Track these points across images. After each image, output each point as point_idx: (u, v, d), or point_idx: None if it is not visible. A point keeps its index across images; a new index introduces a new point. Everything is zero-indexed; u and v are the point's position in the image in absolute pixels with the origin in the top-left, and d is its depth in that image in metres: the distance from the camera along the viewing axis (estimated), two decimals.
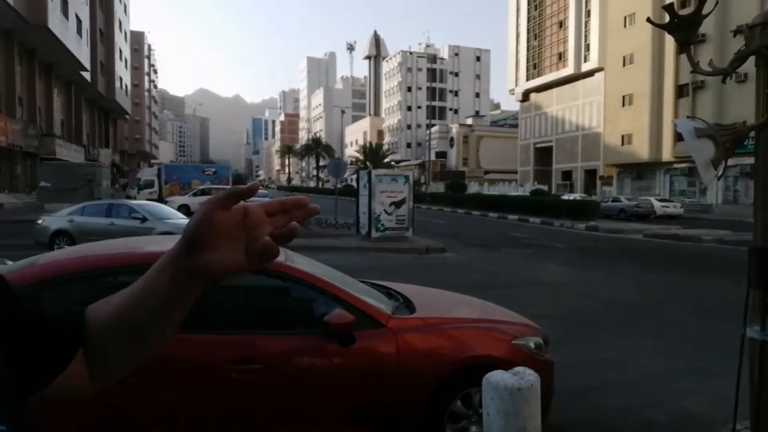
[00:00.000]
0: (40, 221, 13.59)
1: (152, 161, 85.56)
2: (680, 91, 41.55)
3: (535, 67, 63.52)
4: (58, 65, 41.66)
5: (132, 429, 2.81)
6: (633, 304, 8.49)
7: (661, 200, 33.68)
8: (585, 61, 54.84)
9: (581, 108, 55.70)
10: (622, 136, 46.97)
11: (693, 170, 38.16)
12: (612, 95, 48.33)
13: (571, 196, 38.38)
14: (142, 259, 3.29)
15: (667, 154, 42.27)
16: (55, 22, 34.60)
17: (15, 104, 34.49)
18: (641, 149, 44.73)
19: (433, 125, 67.63)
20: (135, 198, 28.03)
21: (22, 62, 36.09)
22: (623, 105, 46.92)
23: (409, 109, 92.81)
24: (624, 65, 46.62)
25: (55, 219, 13.45)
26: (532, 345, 3.57)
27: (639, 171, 47.08)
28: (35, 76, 38.39)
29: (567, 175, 58.05)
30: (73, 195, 23.92)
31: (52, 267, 3.04)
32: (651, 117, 43.49)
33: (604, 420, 4.23)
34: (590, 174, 54.07)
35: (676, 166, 42.53)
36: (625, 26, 46.08)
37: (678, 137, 35.76)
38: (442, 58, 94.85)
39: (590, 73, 53.95)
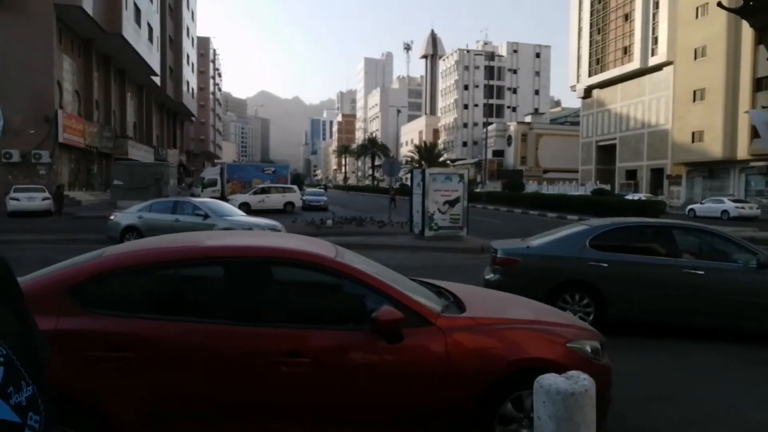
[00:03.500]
0: (112, 217, 14.45)
1: (216, 161, 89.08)
2: (758, 84, 38.82)
3: (598, 63, 61.17)
4: (131, 71, 44.19)
5: (182, 417, 2.92)
6: None
7: (735, 201, 31.70)
8: (652, 54, 52.27)
9: (648, 104, 53.15)
10: (693, 133, 44.43)
11: None
12: (682, 90, 45.79)
13: (636, 196, 36.75)
14: (201, 253, 3.42)
15: (742, 152, 39.62)
16: (129, 30, 36.71)
17: (93, 108, 36.87)
18: (714, 147, 42.14)
19: (490, 123, 66.51)
20: (199, 196, 29.25)
21: (99, 68, 38.53)
22: (694, 100, 44.36)
23: (466, 107, 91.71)
24: (695, 58, 44.06)
25: (126, 215, 14.26)
26: (588, 349, 3.44)
27: (711, 170, 44.40)
28: (111, 81, 40.91)
29: (631, 174, 55.58)
30: (143, 193, 25.29)
31: (117, 259, 3.22)
32: (725, 112, 40.89)
33: (664, 430, 4.00)
34: (657, 173, 51.51)
35: (752, 164, 39.82)
36: (696, 17, 43.55)
37: (755, 133, 33.39)
38: (500, 56, 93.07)
39: (658, 68, 51.38)
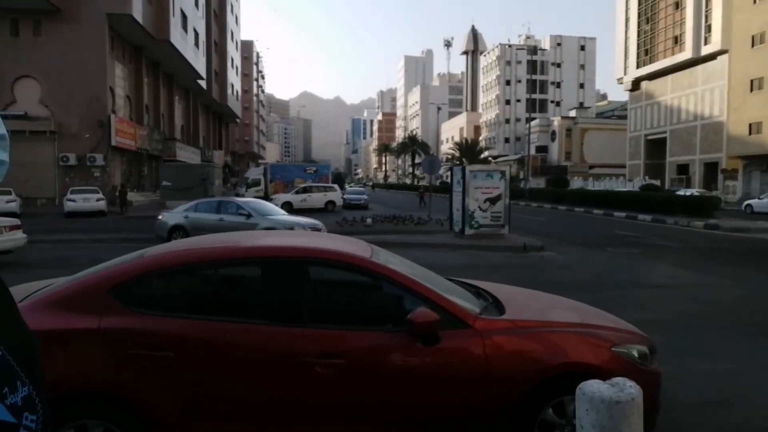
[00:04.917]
0: (160, 217, 14.94)
1: (259, 161, 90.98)
2: None
3: (646, 53, 58.88)
4: (178, 75, 45.63)
5: (218, 415, 2.95)
6: (756, 311, 7.54)
7: None
8: (705, 43, 49.86)
9: (700, 95, 50.78)
10: (750, 125, 42.15)
11: None
12: (738, 80, 43.51)
13: (688, 192, 35.19)
14: (237, 254, 3.45)
15: None
16: (176, 36, 37.92)
17: (143, 112, 38.28)
18: None
19: (533, 119, 65.11)
20: (243, 195, 29.90)
21: (149, 74, 39.96)
22: (751, 90, 42.07)
23: (508, 103, 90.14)
24: (753, 45, 41.75)
25: (173, 215, 14.71)
26: (635, 353, 3.28)
27: None
28: (159, 85, 42.36)
29: (683, 168, 53.25)
30: (190, 193, 26.05)
31: (158, 259, 3.29)
32: None
33: None
34: (711, 167, 49.14)
35: None
36: (754, 2, 41.26)
37: None
38: (543, 49, 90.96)
39: (711, 57, 48.98)
